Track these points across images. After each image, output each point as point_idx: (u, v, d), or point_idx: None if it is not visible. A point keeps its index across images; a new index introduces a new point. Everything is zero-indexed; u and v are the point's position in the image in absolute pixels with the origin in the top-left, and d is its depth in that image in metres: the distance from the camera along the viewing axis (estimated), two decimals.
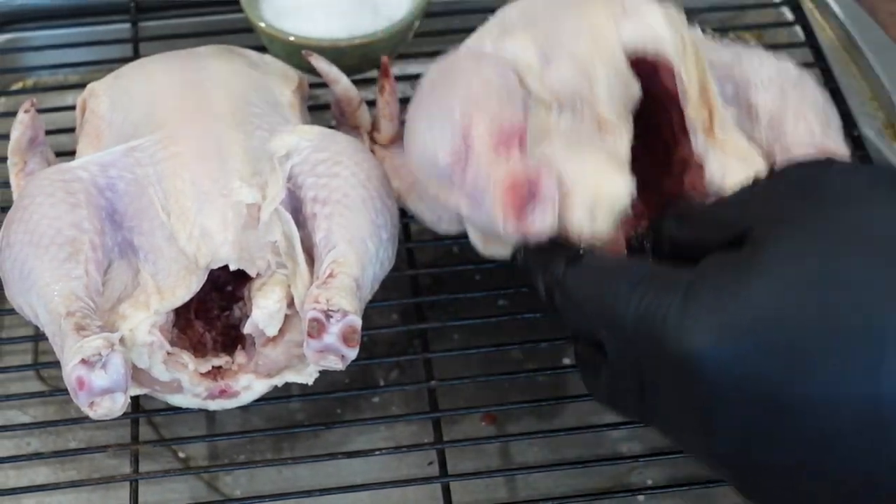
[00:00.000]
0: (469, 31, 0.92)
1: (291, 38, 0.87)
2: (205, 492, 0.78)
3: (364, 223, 0.70)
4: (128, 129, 0.75)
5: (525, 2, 0.76)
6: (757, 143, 0.71)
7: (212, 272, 0.69)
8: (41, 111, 0.96)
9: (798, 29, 0.97)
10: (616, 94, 0.68)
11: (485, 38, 0.75)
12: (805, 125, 0.70)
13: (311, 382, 0.71)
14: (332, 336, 0.64)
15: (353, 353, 0.65)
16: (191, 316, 0.72)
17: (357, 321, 0.65)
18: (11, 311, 0.84)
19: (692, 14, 0.84)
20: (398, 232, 0.73)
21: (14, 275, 0.69)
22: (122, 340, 0.65)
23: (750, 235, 0.52)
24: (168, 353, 0.68)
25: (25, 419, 0.80)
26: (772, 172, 0.58)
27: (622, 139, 0.68)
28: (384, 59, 0.82)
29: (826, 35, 0.98)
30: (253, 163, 0.71)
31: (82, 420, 0.76)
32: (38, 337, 0.83)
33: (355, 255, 0.68)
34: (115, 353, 0.63)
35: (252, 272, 0.69)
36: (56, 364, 0.80)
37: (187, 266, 0.69)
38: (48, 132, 0.92)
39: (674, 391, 0.51)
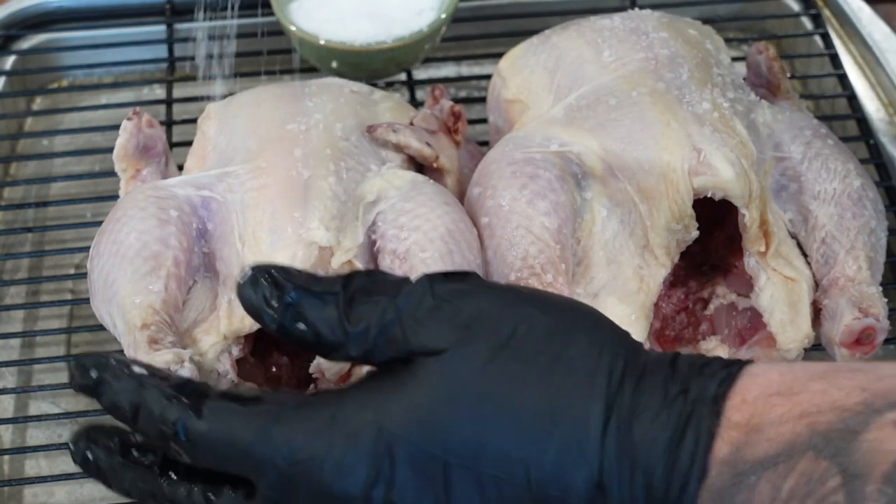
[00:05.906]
0: (493, 36, 0.93)
1: (322, 42, 0.89)
2: None
3: None
4: (229, 153, 0.75)
5: (590, 85, 0.76)
6: (805, 247, 0.73)
7: None
8: (75, 110, 0.99)
9: (817, 38, 0.98)
10: (673, 230, 0.70)
11: (552, 127, 0.75)
12: (855, 266, 0.71)
13: None
14: None
15: None
16: (271, 347, 0.72)
17: None
18: (45, 304, 0.87)
19: (712, 23, 0.86)
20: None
21: (99, 284, 0.69)
22: (192, 359, 0.64)
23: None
24: (234, 383, 0.68)
25: (57, 410, 0.81)
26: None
27: (658, 273, 0.70)
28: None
29: (844, 43, 0.99)
30: (337, 205, 0.70)
31: None
32: (71, 329, 0.85)
33: None
34: (184, 369, 0.62)
35: None
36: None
37: None
38: (82, 130, 0.95)
39: None
